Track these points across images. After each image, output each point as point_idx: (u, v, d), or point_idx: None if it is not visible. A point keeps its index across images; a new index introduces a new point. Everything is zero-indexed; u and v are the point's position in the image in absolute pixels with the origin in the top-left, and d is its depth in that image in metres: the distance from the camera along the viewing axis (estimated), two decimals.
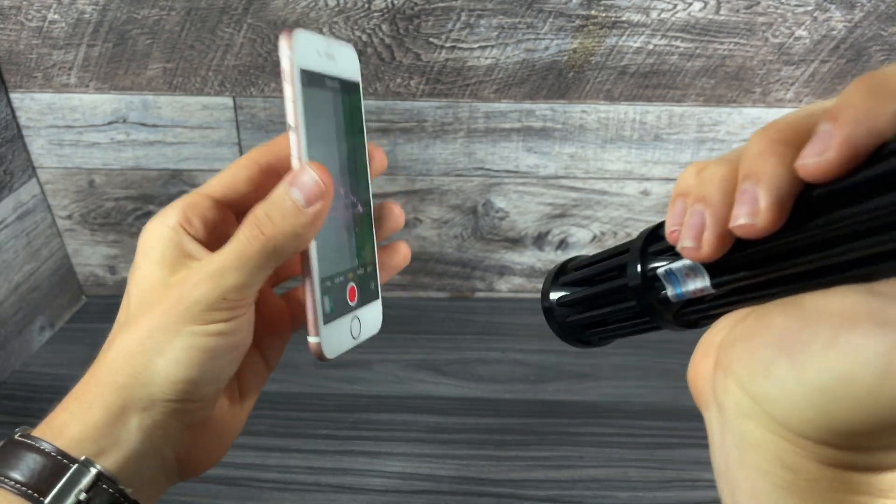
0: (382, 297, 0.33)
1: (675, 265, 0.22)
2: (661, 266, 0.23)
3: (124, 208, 0.69)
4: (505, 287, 0.75)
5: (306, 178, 0.26)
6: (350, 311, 0.30)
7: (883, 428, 0.16)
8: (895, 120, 0.15)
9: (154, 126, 0.64)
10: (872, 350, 0.15)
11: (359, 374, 0.62)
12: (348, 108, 0.30)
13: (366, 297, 0.31)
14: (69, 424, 0.25)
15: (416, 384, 0.62)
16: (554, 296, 0.29)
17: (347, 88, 0.30)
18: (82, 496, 0.24)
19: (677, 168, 0.67)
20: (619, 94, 0.62)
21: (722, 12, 0.58)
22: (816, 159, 0.16)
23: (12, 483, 0.23)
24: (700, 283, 0.21)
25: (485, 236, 0.71)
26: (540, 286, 0.80)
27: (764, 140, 0.18)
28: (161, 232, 0.28)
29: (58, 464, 0.24)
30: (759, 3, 0.57)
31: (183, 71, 0.61)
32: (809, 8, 0.57)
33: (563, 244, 0.72)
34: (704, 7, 0.57)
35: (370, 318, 0.32)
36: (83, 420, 0.25)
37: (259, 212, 0.26)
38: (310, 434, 0.55)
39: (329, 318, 0.28)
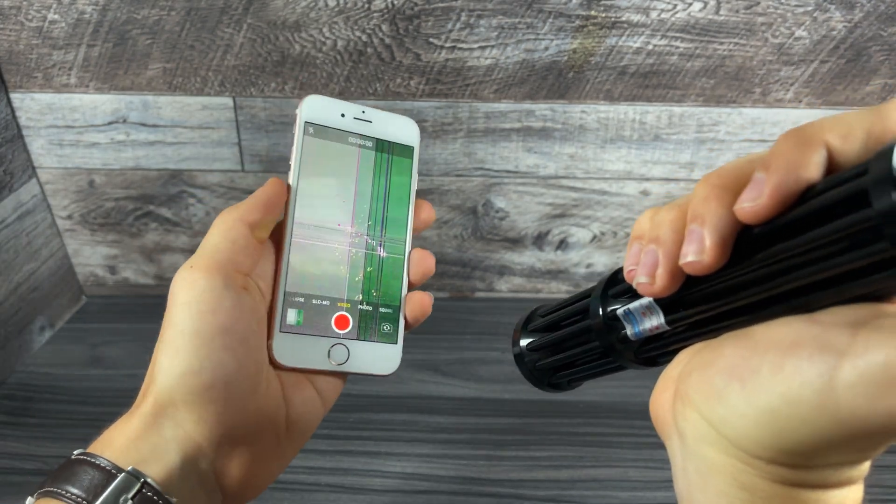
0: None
1: (633, 304, 0.24)
2: (620, 307, 0.25)
3: (124, 208, 0.69)
4: (505, 287, 0.75)
5: (264, 187, 0.32)
6: (332, 336, 0.33)
7: (828, 445, 0.18)
8: (818, 168, 0.18)
9: (154, 126, 0.64)
10: (815, 371, 0.17)
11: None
12: (384, 164, 0.35)
13: (369, 334, 0.34)
14: (115, 437, 0.27)
15: (416, 384, 0.62)
16: (523, 342, 0.31)
17: (388, 149, 0.36)
18: (129, 503, 0.24)
19: (677, 168, 0.67)
20: (619, 95, 0.62)
21: (722, 12, 0.58)
22: (751, 203, 0.18)
23: (69, 494, 0.24)
24: (655, 321, 0.23)
25: (485, 236, 0.71)
26: (540, 286, 0.80)
27: (707, 186, 0.20)
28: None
29: (106, 473, 0.25)
30: (759, 3, 0.57)
31: (183, 71, 0.61)
32: (809, 8, 0.57)
33: (563, 244, 0.72)
34: (704, 7, 0.57)
35: (373, 355, 0.34)
36: (125, 431, 0.27)
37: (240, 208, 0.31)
38: None
39: (291, 329, 0.32)
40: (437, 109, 0.63)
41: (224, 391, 0.28)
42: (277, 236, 0.33)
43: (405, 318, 0.35)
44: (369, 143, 0.35)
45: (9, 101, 0.62)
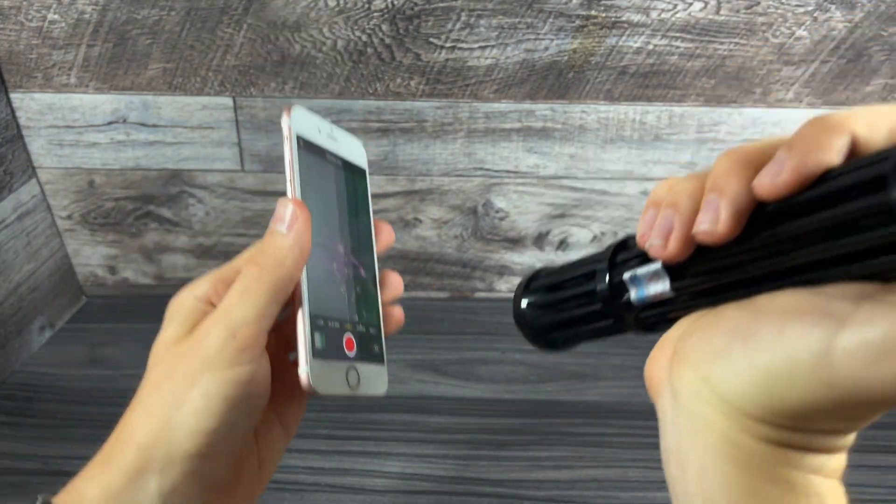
0: None
1: (640, 270, 0.25)
2: (627, 272, 0.25)
3: (124, 208, 0.69)
4: (505, 287, 0.75)
5: (281, 208, 0.29)
6: (347, 359, 0.32)
7: (819, 409, 0.19)
8: (839, 153, 0.18)
9: (154, 126, 0.64)
10: (815, 335, 0.18)
11: None
12: (352, 185, 0.35)
13: (367, 356, 0.33)
14: (89, 489, 0.25)
15: (416, 384, 0.62)
16: (525, 300, 0.32)
17: (351, 170, 0.35)
18: None
19: (677, 168, 0.67)
20: (619, 95, 0.62)
21: (722, 12, 0.58)
22: (771, 180, 0.19)
23: None
24: (661, 287, 0.24)
25: (485, 236, 0.71)
26: None
27: (729, 160, 0.21)
28: (186, 301, 0.29)
29: None
30: (759, 3, 0.57)
31: (183, 71, 0.61)
32: (809, 8, 0.57)
33: (563, 244, 0.72)
34: (704, 7, 0.57)
35: (372, 377, 0.33)
36: (102, 484, 0.25)
37: (251, 249, 0.30)
38: (310, 434, 0.55)
39: (320, 353, 0.30)
40: (437, 109, 0.63)
41: (231, 452, 0.28)
42: None
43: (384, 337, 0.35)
44: (339, 163, 0.34)
45: (9, 101, 0.62)
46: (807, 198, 0.19)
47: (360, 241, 0.34)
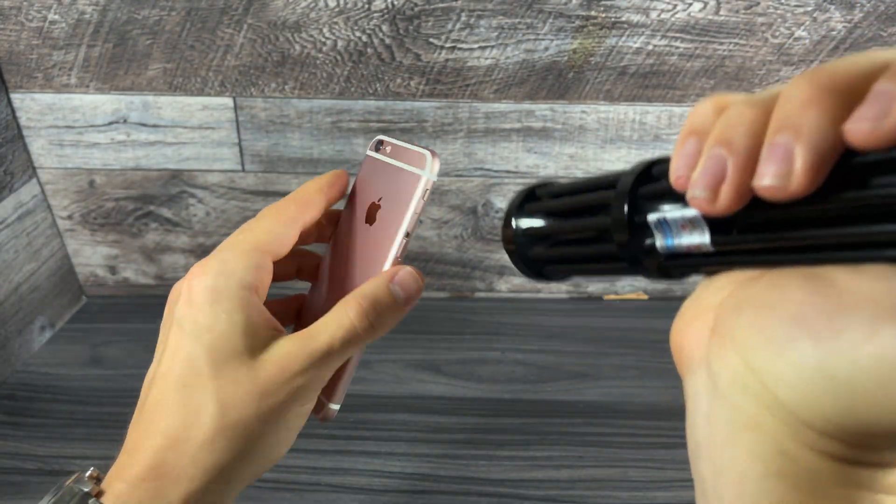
0: None
1: (671, 214, 0.19)
2: (652, 213, 0.20)
3: (124, 208, 0.69)
4: (505, 287, 0.75)
5: (410, 280, 0.29)
6: None
7: None
8: None
9: (154, 126, 0.64)
10: None
11: (359, 374, 0.62)
12: None
13: None
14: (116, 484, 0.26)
15: (416, 384, 0.62)
16: (521, 223, 0.26)
17: None
18: None
19: None
20: (619, 95, 0.62)
21: (722, 13, 0.58)
22: (872, 124, 0.13)
23: None
24: (697, 239, 0.19)
25: (485, 236, 0.71)
26: (540, 286, 0.80)
27: (810, 87, 0.15)
28: (237, 292, 0.27)
29: None
30: (758, 3, 0.57)
31: (183, 71, 0.61)
32: (809, 8, 0.57)
33: None
34: (704, 7, 0.57)
35: None
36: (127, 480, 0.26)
37: (366, 303, 0.28)
38: (310, 434, 0.55)
39: None
40: (437, 109, 0.63)
41: (261, 468, 0.28)
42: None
43: None
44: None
45: (9, 102, 0.62)
46: None
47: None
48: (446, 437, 0.56)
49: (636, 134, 0.65)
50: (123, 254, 0.72)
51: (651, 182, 0.21)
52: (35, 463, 0.52)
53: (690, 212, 0.18)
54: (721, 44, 0.59)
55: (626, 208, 0.20)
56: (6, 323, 0.62)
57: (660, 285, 0.75)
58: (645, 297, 0.75)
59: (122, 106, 0.63)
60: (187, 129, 0.64)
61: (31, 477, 0.51)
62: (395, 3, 0.57)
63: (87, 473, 0.26)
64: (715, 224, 0.18)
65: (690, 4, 0.57)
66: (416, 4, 0.57)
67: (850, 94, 0.14)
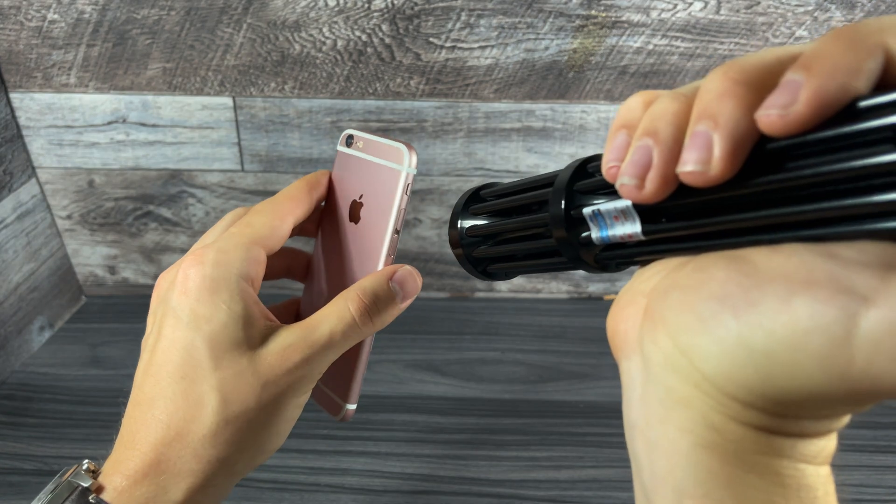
0: None
1: (605, 206, 0.20)
2: (587, 206, 0.21)
3: (124, 208, 0.69)
4: (505, 287, 0.75)
5: (409, 279, 0.30)
6: None
7: (823, 398, 0.16)
8: (869, 78, 0.14)
9: (154, 126, 0.64)
10: (830, 316, 0.14)
11: None
12: None
13: None
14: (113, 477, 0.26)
15: (416, 384, 0.62)
16: (465, 223, 0.28)
17: None
18: None
19: None
20: (620, 94, 0.62)
21: (722, 12, 0.58)
22: (781, 111, 0.14)
23: None
24: (630, 229, 0.20)
25: None
26: (540, 286, 0.80)
27: (725, 80, 0.16)
28: (236, 283, 0.27)
29: None
30: (759, 3, 0.57)
31: (183, 71, 0.61)
32: (809, 8, 0.57)
33: None
34: (704, 7, 0.57)
35: None
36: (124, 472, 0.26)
37: (366, 298, 0.28)
38: (309, 434, 0.55)
39: None
40: (437, 109, 0.63)
41: (258, 461, 0.29)
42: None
43: None
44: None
45: (8, 101, 0.62)
46: (826, 135, 0.15)
47: None
48: (446, 437, 0.56)
49: None
50: (123, 254, 0.72)
51: (586, 178, 0.22)
52: (34, 463, 0.52)
53: (622, 203, 0.20)
54: (722, 43, 0.59)
55: (562, 203, 0.22)
56: (5, 323, 0.62)
57: None
58: None
59: (121, 106, 0.63)
60: (187, 128, 0.64)
61: (29, 477, 0.51)
62: (395, 2, 0.57)
63: (84, 467, 0.26)
64: (645, 213, 0.19)
65: (691, 4, 0.57)
66: (416, 4, 0.57)
67: (762, 85, 0.16)
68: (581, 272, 0.74)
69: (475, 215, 0.27)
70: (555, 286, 0.75)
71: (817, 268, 0.15)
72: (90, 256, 0.72)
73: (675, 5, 0.57)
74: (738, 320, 0.16)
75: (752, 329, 0.16)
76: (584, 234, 0.21)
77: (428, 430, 0.57)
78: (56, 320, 0.69)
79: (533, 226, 0.24)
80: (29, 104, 0.62)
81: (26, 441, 0.54)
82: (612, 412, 0.59)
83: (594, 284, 0.75)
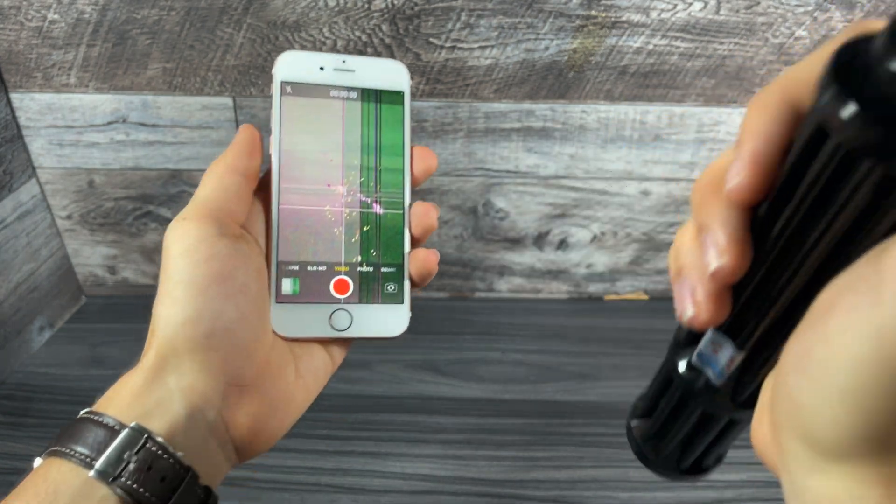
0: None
1: (700, 345, 0.22)
2: (692, 356, 0.23)
3: (124, 208, 0.69)
4: (505, 287, 0.75)
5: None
6: (331, 301, 0.32)
7: None
8: (786, 122, 0.17)
9: (154, 126, 0.64)
10: (857, 320, 0.14)
11: (358, 375, 0.62)
12: (372, 115, 0.33)
13: (372, 297, 0.33)
14: (120, 393, 0.26)
15: (416, 384, 0.62)
16: (637, 433, 0.27)
17: (375, 97, 0.34)
18: (133, 459, 0.24)
19: (677, 168, 0.67)
20: (619, 94, 0.62)
21: (722, 12, 0.58)
22: (736, 181, 0.17)
23: (74, 453, 0.24)
24: (728, 352, 0.21)
25: (485, 236, 0.71)
26: (540, 286, 0.80)
27: (698, 192, 0.19)
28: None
29: (110, 430, 0.25)
30: (759, 3, 0.57)
31: (183, 71, 0.61)
32: (809, 8, 0.57)
33: (563, 244, 0.72)
34: (704, 7, 0.57)
35: (378, 318, 0.33)
36: (129, 386, 0.27)
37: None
38: (309, 434, 0.55)
39: (287, 299, 0.31)
40: (437, 109, 0.63)
41: (226, 339, 0.28)
42: (265, 201, 0.32)
43: (410, 277, 0.33)
44: (354, 94, 0.33)
45: (8, 101, 0.62)
46: (781, 183, 0.17)
47: (378, 174, 0.33)
48: (446, 437, 0.56)
49: (636, 133, 0.65)
50: (123, 254, 0.72)
51: (682, 334, 0.24)
52: None
53: (708, 334, 0.21)
54: (721, 43, 0.59)
55: (677, 363, 0.23)
56: (5, 323, 0.62)
57: (659, 285, 0.75)
58: (645, 297, 0.75)
59: (121, 106, 0.63)
60: (187, 128, 0.64)
61: None
62: (395, 2, 0.57)
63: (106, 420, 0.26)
64: (729, 331, 0.21)
65: (691, 4, 0.57)
66: (415, 4, 0.57)
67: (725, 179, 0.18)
68: (581, 272, 0.74)
69: (639, 421, 0.27)
70: (555, 286, 0.75)
71: (835, 290, 0.15)
72: (90, 256, 0.72)
73: (675, 5, 0.57)
74: (808, 376, 0.16)
75: (819, 376, 0.15)
76: (707, 382, 0.22)
77: (428, 430, 0.57)
78: (56, 320, 0.69)
79: (675, 401, 0.24)
80: (29, 104, 0.62)
81: (26, 441, 0.54)
82: (612, 412, 0.59)
83: (594, 284, 0.75)
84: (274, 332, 0.31)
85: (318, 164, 0.32)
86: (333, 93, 0.33)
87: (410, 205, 0.33)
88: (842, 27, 0.58)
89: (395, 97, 0.34)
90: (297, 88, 0.32)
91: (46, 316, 0.68)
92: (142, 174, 0.67)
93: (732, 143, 0.19)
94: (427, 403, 0.60)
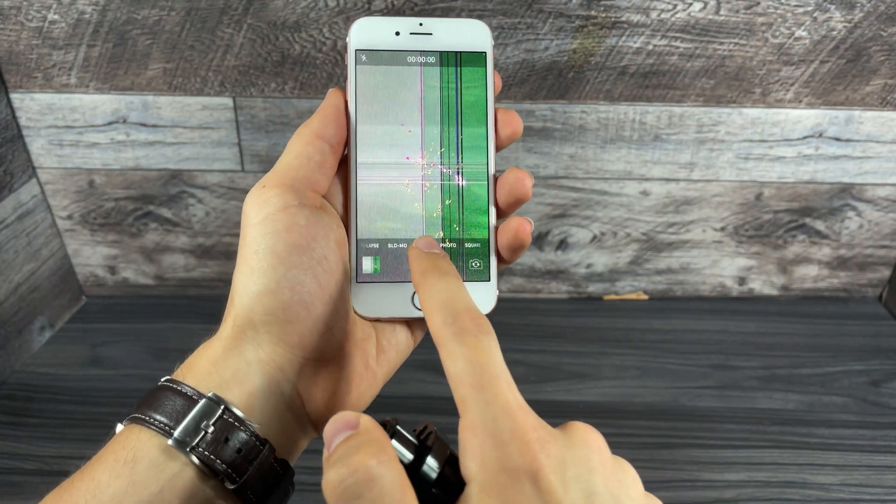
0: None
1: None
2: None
3: (124, 208, 0.69)
4: (505, 287, 0.75)
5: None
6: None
7: None
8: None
9: (154, 126, 0.64)
10: None
11: None
12: (452, 80, 0.31)
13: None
14: (199, 362, 0.26)
15: (416, 384, 0.62)
16: None
17: (454, 61, 0.32)
18: (210, 429, 0.24)
19: (677, 168, 0.67)
20: (619, 95, 0.62)
21: (722, 13, 0.58)
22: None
23: (154, 421, 0.24)
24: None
25: None
26: (540, 286, 0.80)
27: None
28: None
29: (188, 399, 0.25)
30: (758, 3, 0.57)
31: (183, 71, 0.61)
32: (809, 8, 0.57)
33: (562, 244, 0.72)
34: (704, 7, 0.57)
35: None
36: (207, 355, 0.26)
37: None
38: None
39: (368, 278, 0.30)
40: None
41: (304, 311, 0.27)
42: (344, 175, 0.31)
43: (498, 252, 0.32)
44: (432, 59, 0.31)
45: (9, 102, 0.62)
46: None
47: (460, 143, 0.32)
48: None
49: (636, 134, 0.65)
50: (123, 254, 0.72)
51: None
52: (34, 463, 0.52)
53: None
54: (721, 44, 0.59)
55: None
56: (6, 323, 0.62)
57: (659, 285, 0.75)
58: (645, 297, 0.75)
59: (121, 106, 0.63)
60: (187, 128, 0.64)
61: (30, 477, 0.51)
62: (395, 3, 0.57)
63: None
64: None
65: (690, 4, 0.57)
66: (416, 4, 0.57)
67: None
68: (581, 272, 0.74)
69: None
70: (555, 286, 0.75)
71: None
72: (90, 257, 0.72)
73: (675, 6, 0.57)
74: None
75: None
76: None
77: None
78: (56, 320, 0.69)
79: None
80: (29, 104, 0.62)
81: (26, 441, 0.55)
82: (612, 412, 0.59)
83: (594, 284, 0.75)
84: (357, 312, 0.30)
85: (397, 136, 0.31)
86: (410, 58, 0.31)
87: (496, 174, 0.32)
88: (841, 27, 0.58)
89: (477, 58, 0.32)
90: (373, 56, 0.31)
91: (47, 316, 0.68)
92: (142, 174, 0.67)
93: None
94: (427, 403, 0.60)
